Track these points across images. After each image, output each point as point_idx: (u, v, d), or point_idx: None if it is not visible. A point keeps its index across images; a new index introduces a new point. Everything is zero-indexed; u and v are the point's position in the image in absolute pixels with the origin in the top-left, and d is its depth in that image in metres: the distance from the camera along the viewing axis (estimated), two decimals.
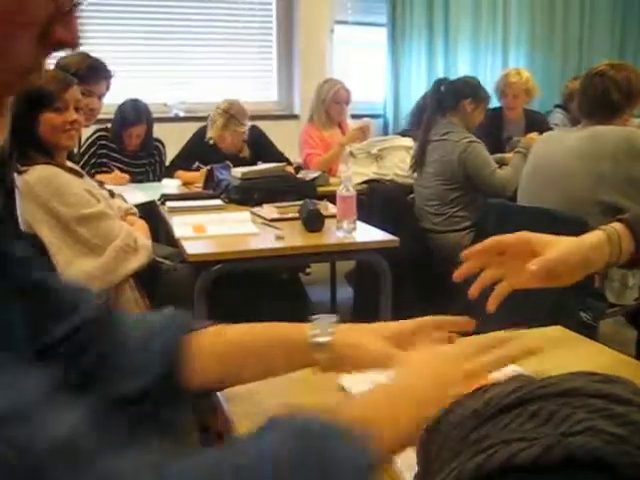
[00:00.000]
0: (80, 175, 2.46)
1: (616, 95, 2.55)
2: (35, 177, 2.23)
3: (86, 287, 0.93)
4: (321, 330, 0.91)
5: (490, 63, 5.89)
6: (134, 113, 4.12)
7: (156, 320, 0.94)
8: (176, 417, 0.88)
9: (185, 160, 4.28)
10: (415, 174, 3.74)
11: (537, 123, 4.59)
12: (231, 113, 4.17)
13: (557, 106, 5.06)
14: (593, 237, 1.10)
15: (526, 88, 4.69)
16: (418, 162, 3.65)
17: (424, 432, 0.63)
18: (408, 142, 4.19)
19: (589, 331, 2.28)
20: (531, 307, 2.39)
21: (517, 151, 3.60)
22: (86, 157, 4.07)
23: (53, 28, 0.59)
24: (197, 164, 4.19)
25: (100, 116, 4.27)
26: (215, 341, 0.93)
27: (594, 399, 0.53)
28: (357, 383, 1.09)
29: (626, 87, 2.56)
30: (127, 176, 4.09)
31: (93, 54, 3.53)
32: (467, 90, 3.64)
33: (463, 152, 3.42)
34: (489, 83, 5.79)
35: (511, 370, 1.14)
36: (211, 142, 4.23)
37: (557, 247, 1.06)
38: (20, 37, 0.57)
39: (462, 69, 5.68)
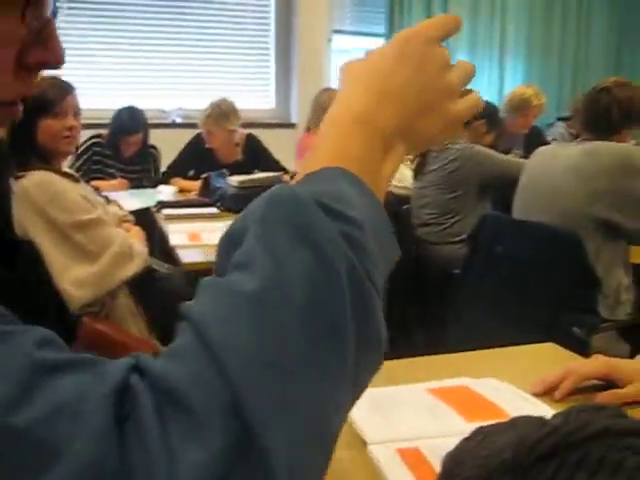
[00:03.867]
0: (77, 181, 2.45)
1: (616, 113, 2.56)
2: (32, 182, 2.22)
3: None
4: None
5: (487, 74, 5.92)
6: (131, 122, 4.13)
7: None
8: None
9: (181, 167, 4.28)
10: (415, 183, 3.76)
11: (536, 137, 4.61)
12: (221, 107, 4.17)
13: (560, 119, 5.05)
14: None
15: (541, 109, 4.71)
16: (418, 170, 3.66)
17: None
18: None
19: (582, 346, 2.28)
20: (525, 322, 2.40)
21: None
22: (79, 163, 4.07)
23: (29, 51, 0.54)
24: (192, 172, 4.18)
25: (95, 121, 4.28)
26: None
27: (629, 438, 0.52)
28: None
29: (627, 107, 2.57)
30: (127, 182, 4.10)
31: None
32: (484, 112, 3.64)
33: (469, 158, 3.44)
34: (486, 94, 5.85)
35: (496, 385, 1.15)
36: (207, 146, 4.23)
37: (635, 385, 1.09)
38: None
39: None
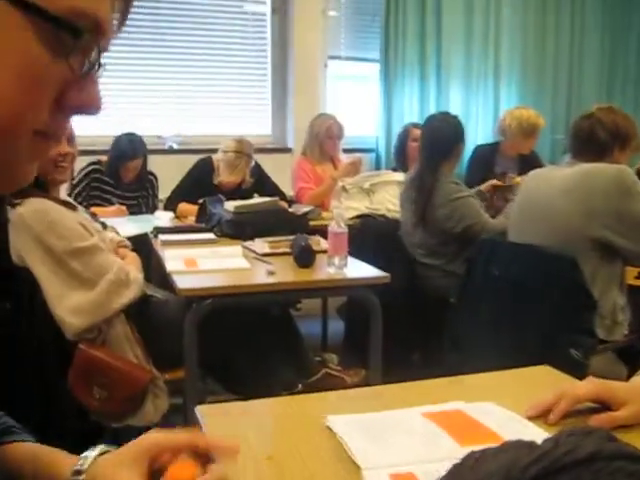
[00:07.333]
0: (74, 208, 2.46)
1: (602, 134, 2.60)
2: (29, 210, 2.23)
3: None
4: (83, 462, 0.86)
5: (482, 98, 5.95)
6: (131, 148, 4.16)
7: None
8: None
9: (185, 193, 4.25)
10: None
11: (530, 159, 4.64)
12: (246, 153, 4.20)
13: None
14: None
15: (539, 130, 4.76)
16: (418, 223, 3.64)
17: None
18: (400, 177, 4.22)
19: (580, 368, 2.28)
20: (521, 345, 2.40)
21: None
22: (78, 189, 4.09)
23: (69, 94, 0.56)
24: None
25: (93, 147, 4.31)
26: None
27: (618, 461, 0.52)
28: (343, 424, 1.09)
29: (613, 128, 2.61)
30: (125, 209, 4.12)
31: None
32: (459, 133, 3.65)
33: (452, 212, 3.45)
34: (481, 118, 5.89)
35: (490, 409, 1.15)
36: (216, 182, 4.22)
37: (629, 408, 1.09)
38: (33, 106, 0.53)
39: (454, 104, 5.73)
